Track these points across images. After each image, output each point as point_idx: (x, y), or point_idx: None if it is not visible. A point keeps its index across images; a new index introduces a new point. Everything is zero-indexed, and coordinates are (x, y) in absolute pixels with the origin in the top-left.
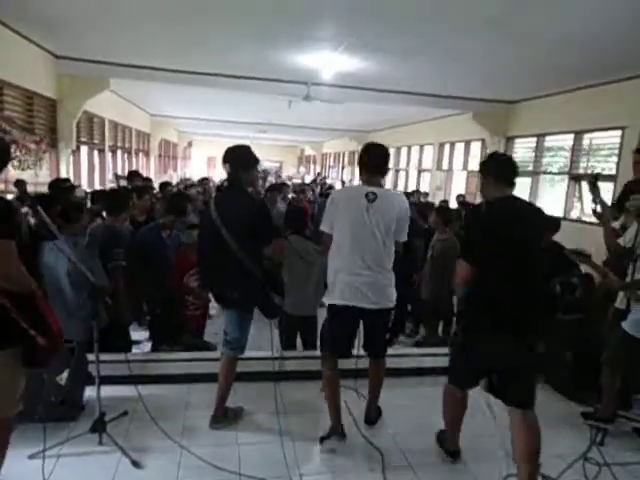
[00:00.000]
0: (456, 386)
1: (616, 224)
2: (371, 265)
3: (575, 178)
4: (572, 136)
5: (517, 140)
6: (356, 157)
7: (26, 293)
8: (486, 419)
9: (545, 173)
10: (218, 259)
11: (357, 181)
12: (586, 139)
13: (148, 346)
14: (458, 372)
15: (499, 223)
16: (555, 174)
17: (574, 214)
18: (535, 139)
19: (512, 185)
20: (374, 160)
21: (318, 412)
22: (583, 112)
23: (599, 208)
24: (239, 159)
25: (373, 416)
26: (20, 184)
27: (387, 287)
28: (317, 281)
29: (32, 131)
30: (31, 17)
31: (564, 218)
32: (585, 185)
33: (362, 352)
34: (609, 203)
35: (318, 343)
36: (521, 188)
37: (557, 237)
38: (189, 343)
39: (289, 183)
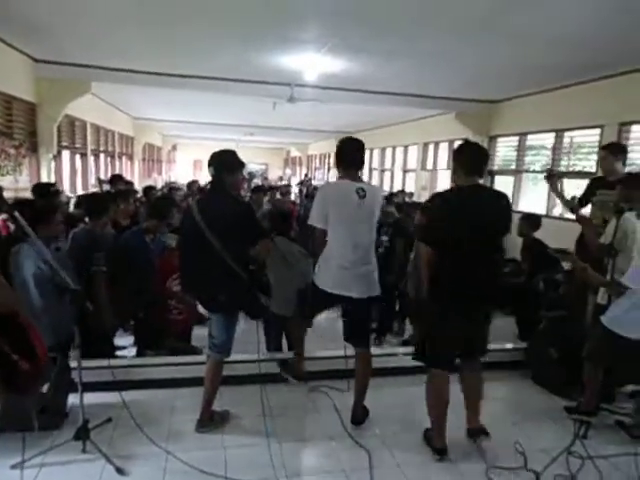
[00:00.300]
0: (437, 368)
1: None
2: (364, 257)
3: (553, 176)
4: (553, 135)
5: (500, 139)
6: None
7: (7, 312)
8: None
9: (527, 172)
10: (203, 262)
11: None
12: (567, 137)
13: (133, 351)
14: (436, 353)
15: (467, 208)
16: (537, 172)
17: (556, 211)
18: (517, 138)
19: (481, 175)
20: (352, 155)
21: (304, 414)
22: (563, 111)
23: (560, 201)
24: (223, 163)
25: (360, 415)
26: None
27: (375, 277)
28: (299, 283)
29: (11, 136)
30: (9, 21)
31: (546, 216)
32: (565, 182)
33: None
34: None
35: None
36: (504, 186)
37: (539, 234)
38: (173, 347)
39: (279, 184)
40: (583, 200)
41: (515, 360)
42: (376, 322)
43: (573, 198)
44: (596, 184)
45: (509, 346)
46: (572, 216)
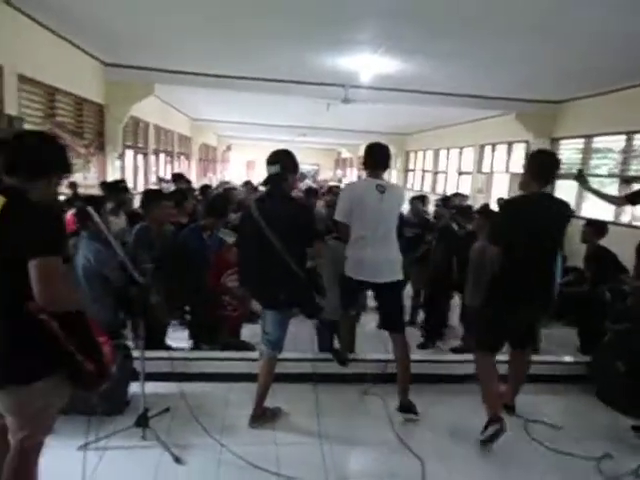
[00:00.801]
0: (485, 350)
1: None
2: (385, 246)
3: (627, 181)
4: (623, 137)
5: (563, 141)
6: (394, 160)
7: (73, 312)
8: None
9: (593, 176)
10: (262, 260)
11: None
12: (637, 140)
13: (187, 345)
14: (487, 338)
15: (535, 215)
16: (604, 177)
17: (625, 218)
18: (582, 140)
19: (549, 183)
20: (379, 157)
21: (356, 416)
22: (635, 112)
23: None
24: (289, 162)
25: (407, 405)
26: (73, 186)
27: (397, 263)
28: None
29: (81, 135)
30: (84, 28)
31: (614, 222)
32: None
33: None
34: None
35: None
36: (566, 191)
37: (605, 242)
38: (227, 342)
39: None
40: (637, 198)
41: (577, 374)
42: (425, 327)
43: (580, 171)
44: None
45: (570, 359)
46: None
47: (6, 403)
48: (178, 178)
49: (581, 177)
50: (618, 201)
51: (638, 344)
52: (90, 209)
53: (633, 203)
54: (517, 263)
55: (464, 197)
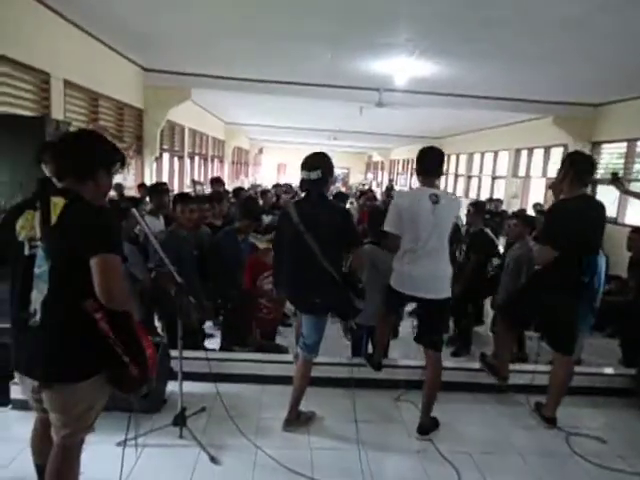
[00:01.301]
0: (514, 325)
1: None
2: (434, 260)
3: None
4: None
5: (604, 145)
6: None
7: (123, 313)
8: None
9: (636, 181)
10: (300, 264)
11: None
12: None
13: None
14: (522, 315)
15: (580, 216)
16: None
17: None
18: (625, 144)
19: (587, 186)
20: (432, 163)
21: (390, 422)
22: None
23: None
24: (330, 166)
25: (426, 424)
26: (118, 187)
27: (446, 279)
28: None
29: (121, 139)
30: (125, 35)
31: None
32: None
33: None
34: None
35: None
36: (607, 196)
37: None
38: (260, 344)
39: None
40: None
41: (620, 387)
42: (454, 335)
43: (614, 174)
44: None
45: (612, 371)
46: None
47: (53, 400)
48: (215, 182)
49: (616, 180)
50: None
51: None
52: (134, 211)
53: None
54: (564, 261)
55: (499, 202)
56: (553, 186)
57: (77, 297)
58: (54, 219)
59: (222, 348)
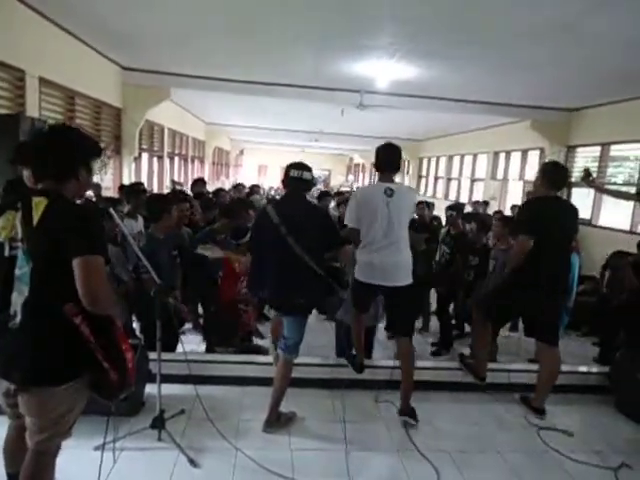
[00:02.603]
0: (489, 321)
1: None
2: (394, 250)
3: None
4: None
5: (579, 149)
6: (406, 166)
7: (104, 317)
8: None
9: (609, 184)
10: (281, 265)
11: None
12: None
13: (201, 348)
14: (497, 311)
15: (555, 213)
16: (620, 185)
17: None
18: (599, 148)
19: (560, 189)
20: (388, 159)
21: (370, 422)
22: None
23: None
24: (313, 175)
25: (407, 411)
26: (96, 187)
27: (408, 267)
28: None
29: (99, 138)
30: (102, 32)
31: (630, 232)
32: None
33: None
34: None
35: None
36: (582, 199)
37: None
38: (242, 346)
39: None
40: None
41: (596, 384)
42: (437, 337)
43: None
44: None
45: (587, 369)
46: None
47: (30, 404)
48: (196, 183)
49: (587, 177)
50: (627, 196)
51: None
52: (112, 211)
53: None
54: (540, 255)
55: (486, 204)
56: (530, 195)
57: (58, 300)
58: (36, 220)
59: (209, 350)
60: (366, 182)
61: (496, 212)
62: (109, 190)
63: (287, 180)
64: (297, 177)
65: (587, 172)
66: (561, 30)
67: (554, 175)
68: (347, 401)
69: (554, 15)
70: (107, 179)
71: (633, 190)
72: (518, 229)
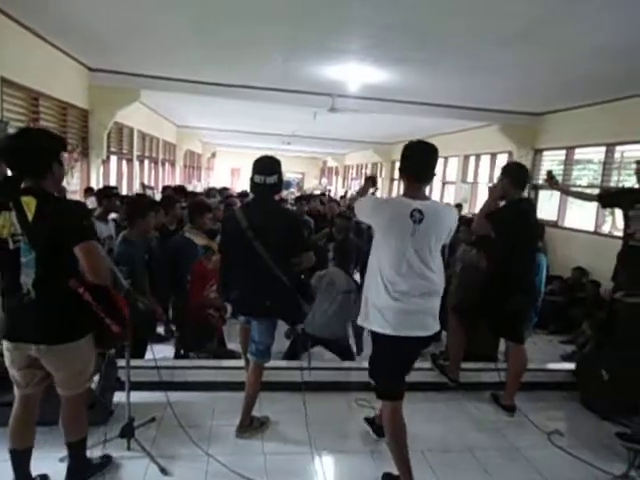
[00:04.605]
0: (464, 321)
1: None
2: (423, 288)
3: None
4: (603, 149)
5: (545, 152)
6: (379, 169)
7: (102, 287)
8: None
9: (574, 187)
10: (249, 268)
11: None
12: (617, 152)
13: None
14: (471, 312)
15: (527, 214)
16: (584, 187)
17: (605, 229)
18: (564, 152)
19: (524, 189)
20: (423, 163)
21: (344, 425)
22: (615, 124)
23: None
24: (282, 173)
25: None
26: (61, 191)
27: (437, 312)
28: (339, 307)
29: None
30: (68, 32)
31: (595, 232)
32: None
33: None
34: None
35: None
36: (548, 201)
37: (585, 252)
38: (214, 351)
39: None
40: (606, 200)
41: (563, 381)
42: None
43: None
44: (634, 197)
45: (554, 366)
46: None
47: (56, 360)
48: (179, 191)
49: (551, 179)
50: (588, 197)
51: (622, 353)
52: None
53: (603, 205)
54: (510, 257)
55: (460, 207)
56: (496, 192)
57: (62, 277)
58: (30, 216)
59: (179, 356)
60: (339, 185)
61: (461, 217)
62: (76, 194)
63: (251, 186)
64: (260, 183)
65: (550, 174)
66: (524, 37)
67: (520, 175)
68: (322, 404)
69: (517, 22)
70: (74, 183)
71: (597, 191)
72: (489, 217)
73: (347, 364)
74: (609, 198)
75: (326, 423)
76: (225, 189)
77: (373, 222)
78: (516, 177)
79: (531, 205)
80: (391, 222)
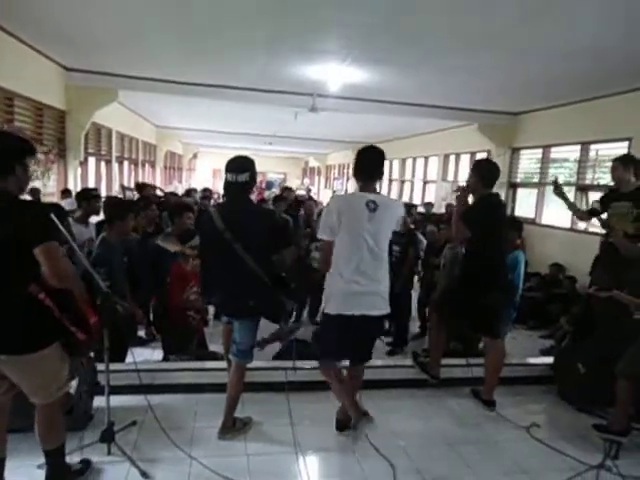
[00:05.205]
0: (443, 317)
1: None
2: (375, 273)
3: (582, 189)
4: (578, 147)
5: (523, 151)
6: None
7: (64, 291)
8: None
9: (551, 185)
10: (228, 269)
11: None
12: (592, 150)
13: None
14: (451, 308)
15: (496, 209)
16: (562, 185)
17: (581, 225)
18: (541, 150)
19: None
20: (371, 164)
21: (327, 423)
22: (590, 124)
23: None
24: (255, 171)
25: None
26: (34, 192)
27: (386, 295)
28: None
29: (41, 142)
30: (43, 31)
31: (571, 229)
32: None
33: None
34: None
35: None
36: (526, 199)
37: (562, 248)
38: (196, 353)
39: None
40: (597, 211)
41: (541, 375)
42: (392, 336)
43: (593, 207)
44: (611, 196)
45: (533, 361)
46: (597, 229)
47: (19, 370)
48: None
49: (557, 188)
50: (583, 216)
51: (598, 346)
52: (53, 216)
53: (596, 215)
54: (483, 252)
55: (430, 205)
56: (468, 189)
57: (21, 283)
58: None
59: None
60: (322, 186)
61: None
62: (53, 196)
63: (224, 185)
64: (232, 182)
65: (556, 183)
66: (502, 39)
67: (488, 173)
68: (305, 403)
69: (495, 24)
70: (50, 185)
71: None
72: (464, 218)
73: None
74: (600, 207)
75: (309, 423)
76: (206, 190)
77: (338, 221)
78: (484, 175)
79: (499, 200)
80: (350, 212)
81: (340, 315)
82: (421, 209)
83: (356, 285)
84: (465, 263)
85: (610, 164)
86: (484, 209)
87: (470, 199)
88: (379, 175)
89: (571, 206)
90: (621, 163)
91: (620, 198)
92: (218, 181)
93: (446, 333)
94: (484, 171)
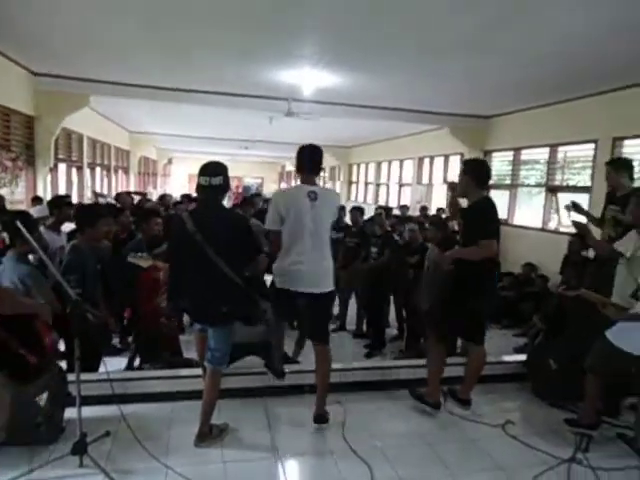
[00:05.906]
0: (441, 339)
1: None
2: (319, 255)
3: (552, 190)
4: (547, 149)
5: (494, 154)
6: (337, 172)
7: (19, 315)
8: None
9: (522, 186)
10: (202, 275)
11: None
12: (560, 152)
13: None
14: (445, 326)
15: (496, 214)
16: (532, 186)
17: (552, 225)
18: (512, 153)
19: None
20: (309, 161)
21: (304, 426)
22: (557, 126)
23: (589, 224)
24: (228, 177)
25: (321, 417)
26: None
27: (330, 273)
28: None
29: (8, 148)
30: (10, 35)
31: (542, 229)
32: (560, 196)
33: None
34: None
35: None
36: (498, 200)
37: (534, 248)
38: (170, 361)
39: None
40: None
41: (515, 373)
42: (369, 338)
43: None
44: (607, 199)
45: (507, 359)
46: (569, 230)
47: None
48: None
49: (575, 207)
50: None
51: (569, 343)
52: (19, 224)
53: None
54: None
55: (406, 208)
56: (462, 192)
57: None
58: None
59: (131, 367)
60: None
61: (433, 217)
62: (22, 204)
63: (197, 188)
64: (205, 185)
65: (574, 204)
66: (470, 45)
67: (480, 172)
68: (281, 408)
69: (462, 31)
70: (19, 192)
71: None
72: (491, 235)
73: (308, 367)
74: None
75: (286, 427)
76: (184, 196)
77: (285, 211)
78: (477, 175)
79: (494, 204)
80: (292, 202)
81: (285, 289)
82: (397, 212)
83: (300, 265)
84: (456, 267)
85: (578, 165)
86: (484, 211)
87: (463, 202)
88: (318, 169)
89: (594, 220)
90: (612, 167)
91: (614, 201)
92: (194, 186)
93: (445, 354)
94: (476, 171)
